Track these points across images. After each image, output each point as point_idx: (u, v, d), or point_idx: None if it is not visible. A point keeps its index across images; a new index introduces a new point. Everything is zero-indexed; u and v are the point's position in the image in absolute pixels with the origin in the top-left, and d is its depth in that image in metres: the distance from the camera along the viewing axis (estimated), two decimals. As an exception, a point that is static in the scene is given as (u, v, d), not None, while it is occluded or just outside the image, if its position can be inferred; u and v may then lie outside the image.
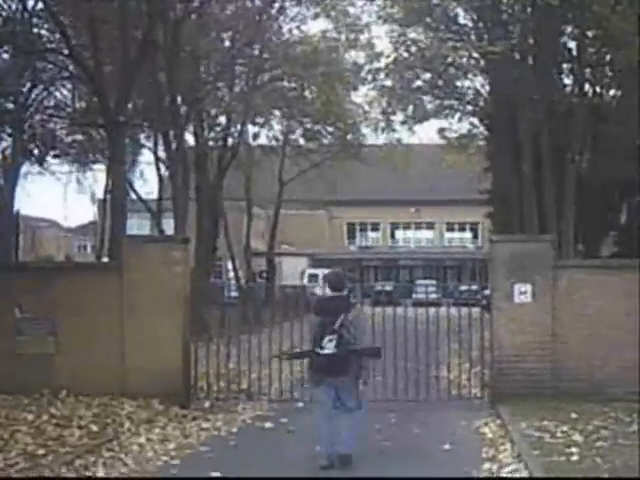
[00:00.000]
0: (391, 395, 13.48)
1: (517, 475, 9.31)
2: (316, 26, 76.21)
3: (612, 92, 32.09)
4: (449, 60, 29.37)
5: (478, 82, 33.94)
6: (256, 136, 40.96)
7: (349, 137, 41.78)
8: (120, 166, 23.83)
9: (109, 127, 22.75)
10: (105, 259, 31.08)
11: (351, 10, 33.90)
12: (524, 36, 27.45)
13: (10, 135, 29.96)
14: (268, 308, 18.71)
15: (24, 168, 32.57)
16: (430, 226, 78.50)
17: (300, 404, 13.98)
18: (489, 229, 46.31)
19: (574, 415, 11.94)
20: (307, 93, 36.52)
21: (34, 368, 13.46)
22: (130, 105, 26.34)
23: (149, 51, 23.29)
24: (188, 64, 27.60)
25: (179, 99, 27.43)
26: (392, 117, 35.16)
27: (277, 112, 38.75)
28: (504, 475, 9.40)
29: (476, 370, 14.87)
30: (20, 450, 9.78)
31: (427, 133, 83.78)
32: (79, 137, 35.13)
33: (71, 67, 26.31)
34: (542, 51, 27.18)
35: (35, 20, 26.77)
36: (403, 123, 35.67)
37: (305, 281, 50.05)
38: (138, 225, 48.71)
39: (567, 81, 30.84)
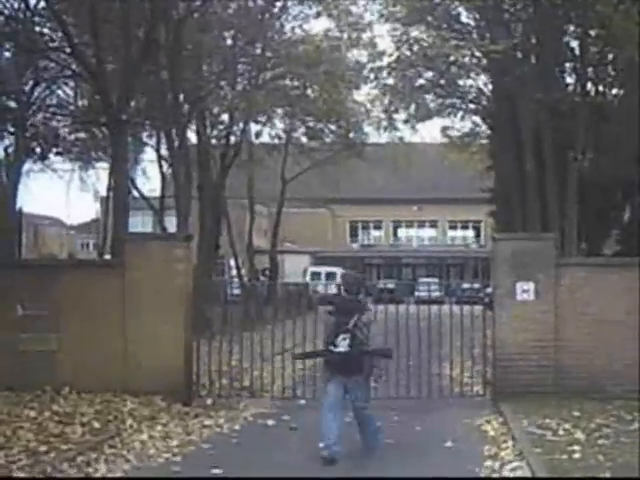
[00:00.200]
0: (393, 393, 13.48)
1: (519, 473, 9.32)
2: (318, 25, 76.53)
3: (615, 91, 32.08)
4: (451, 59, 29.34)
5: (480, 81, 34.00)
6: (258, 134, 40.96)
7: (351, 135, 41.73)
8: (122, 164, 23.83)
9: (111, 125, 22.75)
10: (108, 257, 31.08)
11: (353, 9, 33.90)
12: (526, 35, 27.45)
13: (12, 133, 29.95)
14: (270, 306, 18.73)
15: (26, 166, 32.59)
16: (433, 224, 78.55)
17: (302, 401, 14.00)
18: (492, 227, 46.34)
19: (576, 413, 11.97)
20: (309, 92, 36.45)
21: (36, 365, 13.48)
22: (132, 103, 26.33)
23: (151, 49, 23.28)
24: (190, 62, 27.60)
25: (181, 97, 27.42)
26: (394, 116, 35.19)
27: (279, 110, 38.69)
28: (506, 473, 9.40)
29: (478, 368, 14.87)
30: (22, 447, 9.80)
31: (430, 132, 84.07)
32: (82, 135, 35.12)
33: (73, 65, 26.29)
34: (544, 50, 27.17)
35: (37, 18, 26.75)
36: (405, 122, 35.69)
37: (307, 279, 50.11)
38: (141, 223, 48.83)
39: (569, 80, 30.84)
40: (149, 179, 72.82)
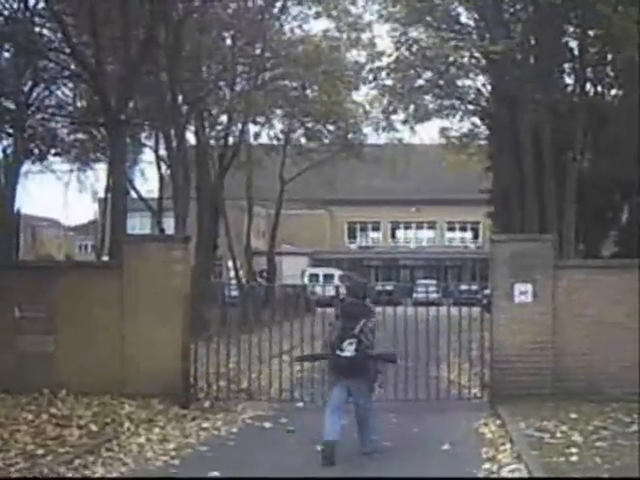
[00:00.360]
0: (391, 395, 13.46)
1: (517, 475, 9.30)
2: (317, 25, 76.58)
3: (614, 92, 32.12)
4: (450, 59, 29.35)
5: (479, 82, 34.02)
6: (257, 135, 40.99)
7: (350, 136, 41.76)
8: (121, 165, 23.82)
9: (110, 126, 22.72)
10: (105, 258, 31.07)
11: (352, 9, 33.97)
12: (526, 35, 27.45)
13: (10, 134, 29.93)
14: (268, 307, 18.70)
15: (25, 167, 32.55)
16: (431, 226, 78.53)
17: (300, 404, 13.99)
18: (490, 229, 46.36)
19: (574, 415, 11.94)
20: (308, 92, 36.50)
21: (34, 367, 13.46)
22: (131, 104, 26.31)
23: (150, 50, 23.27)
24: (189, 63, 27.60)
25: (180, 98, 27.42)
26: (393, 116, 35.23)
27: (278, 111, 38.72)
28: (504, 476, 9.39)
29: (476, 370, 14.86)
30: (19, 450, 9.78)
31: (428, 133, 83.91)
32: (80, 136, 35.12)
33: (72, 66, 26.26)
34: (544, 51, 27.17)
35: (36, 19, 26.74)
36: (404, 122, 35.73)
37: (305, 280, 50.08)
38: (139, 224, 48.82)
39: (569, 81, 30.88)
40: (147, 180, 73.15)
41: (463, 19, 30.36)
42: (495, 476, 9.41)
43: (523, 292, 13.69)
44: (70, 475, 9.14)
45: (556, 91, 29.04)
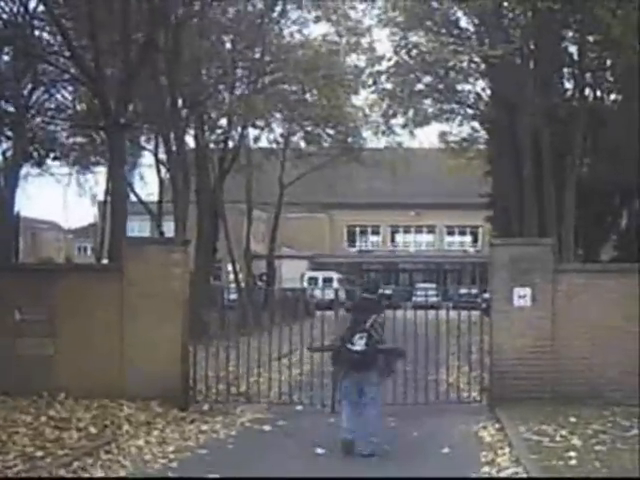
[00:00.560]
0: (390, 399, 13.46)
1: (515, 479, 9.33)
2: (317, 30, 76.51)
3: (613, 96, 32.13)
4: (450, 64, 29.35)
5: (479, 86, 34.03)
6: (257, 139, 40.97)
7: (350, 140, 41.74)
8: (120, 168, 23.83)
9: (110, 129, 22.74)
10: (105, 261, 31.06)
11: (352, 14, 33.94)
12: (525, 40, 27.45)
13: (9, 138, 29.95)
14: (267, 311, 18.72)
15: (24, 169, 32.57)
16: (430, 229, 78.51)
17: (299, 407, 13.99)
18: (489, 233, 46.36)
19: (573, 419, 11.95)
20: (308, 96, 36.49)
21: (33, 370, 13.46)
22: (131, 107, 26.34)
23: (150, 54, 23.29)
24: (189, 67, 27.61)
25: (180, 102, 27.44)
26: (393, 120, 35.22)
27: (278, 115, 38.72)
28: (502, 479, 9.41)
29: (475, 374, 14.86)
30: (18, 452, 9.77)
31: (428, 137, 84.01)
32: (80, 139, 35.13)
33: (72, 69, 26.27)
34: (543, 55, 27.19)
35: (36, 23, 26.77)
36: (404, 127, 35.72)
37: (305, 284, 50.07)
38: (139, 227, 48.79)
39: (568, 85, 30.88)
40: (147, 184, 72.99)
41: (462, 24, 30.39)
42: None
43: (522, 296, 13.70)
44: (69, 477, 9.15)
45: (555, 96, 29.06)
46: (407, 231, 79.53)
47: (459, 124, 37.86)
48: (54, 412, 12.16)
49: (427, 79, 32.43)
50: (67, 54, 24.24)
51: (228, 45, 31.78)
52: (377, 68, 32.36)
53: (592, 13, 24.24)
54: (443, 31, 29.23)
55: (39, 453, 9.76)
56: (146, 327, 13.60)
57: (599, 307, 13.61)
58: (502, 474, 9.53)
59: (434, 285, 52.12)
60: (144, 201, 37.88)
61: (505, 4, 27.11)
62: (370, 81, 33.32)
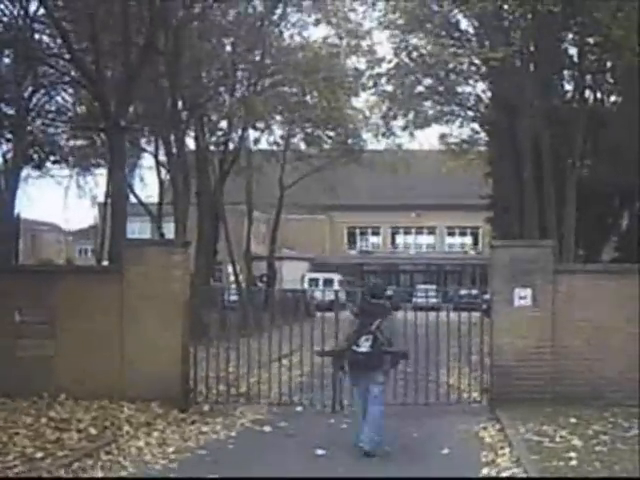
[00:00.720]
0: (391, 399, 13.46)
1: (516, 479, 9.33)
2: (317, 32, 76.52)
3: (613, 98, 32.14)
4: (450, 66, 29.40)
5: (479, 88, 34.05)
6: (257, 141, 40.98)
7: (350, 142, 41.78)
8: (121, 170, 23.82)
9: (110, 131, 22.74)
10: (106, 263, 31.06)
11: (352, 16, 33.97)
12: (525, 42, 27.45)
13: (9, 140, 29.95)
14: (268, 312, 18.71)
15: (25, 172, 32.53)
16: (431, 231, 78.47)
17: (299, 408, 14.00)
18: (490, 234, 46.35)
19: (573, 420, 11.96)
20: (308, 98, 36.49)
21: (34, 371, 13.47)
22: (131, 109, 26.35)
23: (150, 56, 23.29)
24: (189, 69, 27.61)
25: (180, 104, 27.44)
26: (393, 122, 35.25)
27: (278, 117, 38.73)
28: None
29: (476, 374, 14.87)
30: (18, 453, 9.79)
31: (428, 139, 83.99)
32: (80, 142, 35.13)
33: (72, 72, 26.28)
34: (543, 57, 27.20)
35: (36, 25, 26.77)
36: (404, 129, 35.73)
37: (305, 285, 50.07)
38: (139, 229, 48.83)
39: (568, 87, 30.89)
40: (147, 185, 73.11)
41: (463, 26, 30.39)
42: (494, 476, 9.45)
43: (523, 297, 13.71)
44: (68, 477, 9.15)
45: (555, 98, 29.10)
46: (407, 232, 79.49)
47: (459, 126, 37.92)
48: (54, 413, 12.17)
49: (427, 81, 32.47)
50: (67, 57, 24.23)
51: (228, 47, 31.78)
52: (377, 70, 32.46)
53: (592, 15, 24.26)
54: (443, 33, 29.26)
55: (39, 454, 9.77)
56: (146, 328, 13.62)
57: (600, 308, 13.62)
58: (502, 475, 9.54)
59: (434, 286, 52.02)
60: (144, 203, 37.91)
61: (505, 6, 27.13)
62: (370, 83, 33.39)
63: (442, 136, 39.92)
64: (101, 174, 38.54)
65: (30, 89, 29.51)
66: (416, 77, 31.57)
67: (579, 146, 27.63)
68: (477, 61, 29.29)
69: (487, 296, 15.42)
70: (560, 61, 28.74)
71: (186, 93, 27.57)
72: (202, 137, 32.64)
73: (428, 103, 34.50)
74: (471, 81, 33.39)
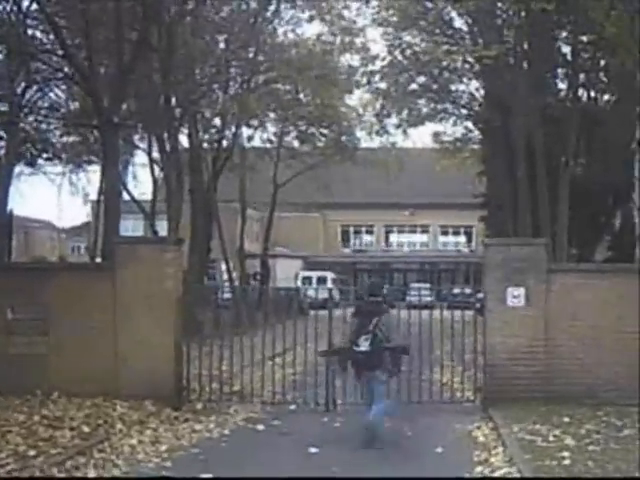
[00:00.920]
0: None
1: (509, 478, 9.33)
2: (311, 29, 76.50)
3: (606, 97, 32.18)
4: (444, 64, 29.43)
5: (473, 86, 34.10)
6: (250, 138, 40.93)
7: (343, 140, 41.77)
8: (114, 167, 23.78)
9: (103, 128, 22.69)
10: (99, 260, 31.01)
11: (346, 13, 34.01)
12: (519, 41, 27.50)
13: (1, 137, 29.87)
14: (261, 310, 18.69)
15: (17, 168, 32.48)
16: (424, 229, 78.46)
17: (293, 406, 13.98)
18: (483, 233, 46.37)
19: (566, 419, 11.95)
20: (302, 96, 36.51)
21: (26, 369, 13.42)
22: (124, 106, 26.28)
23: (144, 52, 23.24)
24: (183, 66, 27.56)
25: (173, 101, 27.39)
26: (386, 120, 35.26)
27: (271, 114, 38.71)
28: (496, 478, 9.41)
29: (469, 373, 14.86)
30: (11, 451, 9.75)
31: (421, 137, 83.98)
32: (73, 139, 35.06)
33: (65, 68, 26.23)
34: (536, 56, 27.22)
35: (29, 21, 26.68)
36: (398, 127, 35.78)
37: (299, 283, 50.03)
38: (132, 226, 48.71)
39: (561, 86, 30.94)
40: (140, 183, 72.89)
41: (456, 24, 30.43)
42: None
43: (516, 296, 13.71)
44: (62, 477, 9.11)
45: (549, 96, 29.12)
46: (401, 231, 79.47)
47: (453, 124, 37.98)
48: (47, 411, 12.14)
49: (421, 79, 32.51)
50: (60, 53, 24.18)
51: (222, 44, 31.73)
52: (371, 68, 32.48)
53: (585, 14, 24.29)
54: (437, 31, 29.30)
55: (32, 452, 9.74)
56: (139, 326, 13.58)
57: (593, 307, 13.62)
58: (495, 474, 9.53)
59: (428, 285, 52.03)
60: (137, 200, 37.81)
61: (499, 4, 27.16)
62: (364, 81, 33.44)
63: (436, 134, 39.98)
64: (94, 171, 38.51)
65: (23, 85, 29.45)
66: (410, 75, 31.61)
67: (572, 145, 27.66)
68: (471, 59, 29.30)
69: (480, 295, 15.43)
70: (554, 59, 28.79)
71: (179, 90, 27.51)
72: (195, 134, 32.58)
73: (422, 101, 34.52)
74: (465, 79, 33.45)
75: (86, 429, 11.09)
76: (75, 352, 13.61)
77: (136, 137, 36.41)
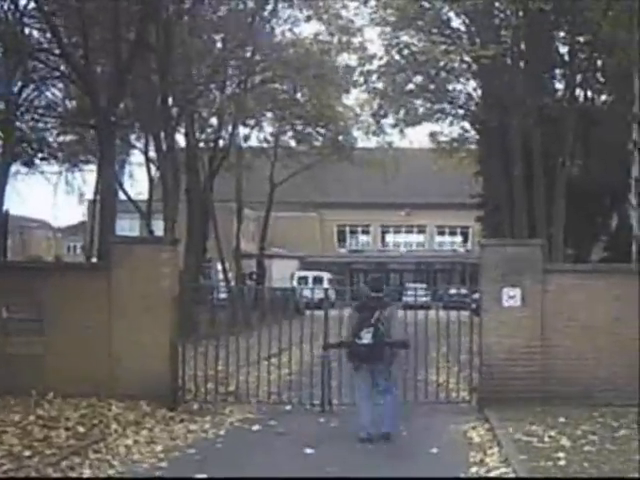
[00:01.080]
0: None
1: (504, 479, 9.32)
2: (308, 29, 76.43)
3: (603, 97, 32.21)
4: (441, 64, 29.42)
5: (470, 86, 34.10)
6: (247, 138, 40.95)
7: (340, 140, 41.77)
8: (110, 167, 23.79)
9: (100, 127, 22.70)
10: (95, 259, 30.97)
11: (343, 13, 34.03)
12: (516, 41, 27.52)
13: (-1, 137, 29.86)
14: (257, 310, 18.68)
15: (14, 168, 32.42)
16: (421, 229, 78.50)
17: (288, 407, 13.97)
18: (479, 233, 46.41)
19: (562, 420, 11.94)
20: (299, 95, 36.53)
21: (22, 369, 13.37)
22: (121, 105, 26.26)
23: (141, 52, 23.25)
24: (180, 65, 27.55)
25: (170, 100, 27.36)
26: (383, 120, 35.28)
27: (268, 114, 38.73)
28: (491, 479, 9.40)
29: (465, 374, 14.85)
30: (5, 451, 9.71)
31: (418, 137, 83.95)
32: (69, 138, 35.01)
33: (62, 67, 26.22)
34: (534, 56, 27.25)
35: (26, 20, 26.66)
36: (394, 126, 35.80)
37: (295, 283, 50.03)
38: (128, 226, 48.65)
39: (558, 86, 30.98)
40: (137, 182, 72.73)
41: (454, 24, 30.46)
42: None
43: (512, 296, 13.69)
44: (57, 477, 9.09)
45: (546, 96, 29.13)
46: (397, 231, 79.50)
47: (450, 124, 37.96)
48: (42, 411, 12.09)
49: (418, 79, 32.50)
50: (57, 51, 24.18)
51: (219, 44, 31.75)
52: (368, 67, 32.49)
53: (582, 14, 24.33)
54: (434, 31, 29.30)
55: (27, 452, 9.70)
56: (135, 326, 13.55)
57: (589, 307, 13.61)
58: (491, 474, 9.52)
59: (424, 285, 52.05)
60: (134, 200, 37.77)
61: (496, 4, 27.17)
62: (361, 80, 33.44)
63: (432, 134, 39.95)
64: (90, 170, 38.42)
65: (20, 84, 29.41)
66: (407, 74, 31.60)
67: (569, 145, 27.68)
68: (468, 59, 29.33)
69: (476, 295, 15.42)
70: (551, 59, 28.82)
71: (176, 89, 27.48)
72: (192, 134, 32.57)
73: (419, 101, 34.52)
74: (462, 79, 33.46)
75: (81, 429, 11.05)
76: (71, 352, 13.57)
77: (133, 136, 36.43)
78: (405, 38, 30.38)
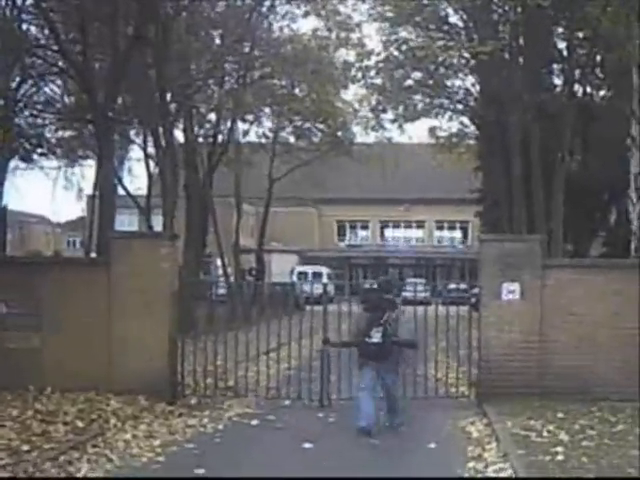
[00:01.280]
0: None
1: (503, 474, 9.30)
2: (306, 24, 76.44)
3: (602, 93, 32.21)
4: (439, 59, 29.42)
5: (468, 81, 34.10)
6: (246, 133, 40.94)
7: (339, 135, 41.73)
8: (109, 162, 23.77)
9: (98, 123, 22.68)
10: (94, 255, 30.96)
11: (342, 9, 34.02)
12: (514, 36, 27.51)
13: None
14: (257, 305, 18.67)
15: (13, 163, 32.40)
16: (420, 225, 78.44)
17: (287, 402, 13.98)
18: (479, 228, 46.39)
19: (560, 414, 11.96)
20: (297, 91, 36.48)
21: (20, 363, 13.37)
22: (120, 101, 26.25)
23: (139, 47, 23.22)
24: (178, 61, 27.52)
25: (169, 96, 27.35)
26: (382, 115, 35.26)
27: (267, 109, 38.70)
28: (490, 475, 9.38)
29: (463, 369, 14.86)
30: (4, 446, 9.72)
31: (417, 132, 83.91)
32: (68, 133, 34.99)
33: (60, 63, 26.18)
34: (532, 51, 27.24)
35: (24, 16, 26.63)
36: (393, 122, 35.77)
37: (294, 278, 50.04)
38: (128, 221, 48.68)
39: (557, 81, 30.97)
40: (136, 178, 72.69)
41: (452, 19, 30.47)
42: (480, 475, 9.42)
43: (511, 291, 13.70)
44: (55, 471, 9.09)
45: (544, 92, 29.11)
46: (397, 226, 79.45)
47: (448, 119, 37.94)
48: (41, 406, 12.11)
49: (417, 74, 32.49)
50: (55, 47, 24.14)
51: (217, 39, 31.72)
52: (366, 63, 32.45)
53: (581, 10, 24.31)
54: (432, 27, 29.33)
55: (25, 447, 9.71)
56: (134, 321, 13.55)
57: (587, 303, 13.62)
58: (489, 469, 9.52)
59: (423, 280, 52.06)
60: (133, 195, 37.77)
61: (494, 0, 27.15)
62: (359, 76, 33.41)
63: (431, 130, 39.92)
64: (89, 166, 38.41)
65: (18, 80, 29.36)
66: (405, 70, 31.58)
67: (568, 140, 27.69)
68: (466, 54, 29.31)
69: (476, 290, 15.42)
70: (549, 55, 28.82)
71: (175, 85, 27.48)
72: (191, 129, 32.56)
73: (417, 96, 34.51)
74: (460, 74, 33.46)
75: (80, 424, 11.06)
76: (69, 347, 13.56)
77: (131, 132, 36.37)
78: (403, 34, 30.39)
